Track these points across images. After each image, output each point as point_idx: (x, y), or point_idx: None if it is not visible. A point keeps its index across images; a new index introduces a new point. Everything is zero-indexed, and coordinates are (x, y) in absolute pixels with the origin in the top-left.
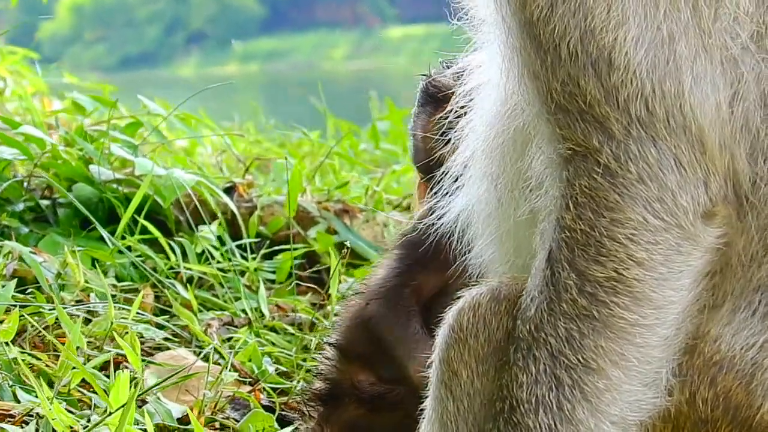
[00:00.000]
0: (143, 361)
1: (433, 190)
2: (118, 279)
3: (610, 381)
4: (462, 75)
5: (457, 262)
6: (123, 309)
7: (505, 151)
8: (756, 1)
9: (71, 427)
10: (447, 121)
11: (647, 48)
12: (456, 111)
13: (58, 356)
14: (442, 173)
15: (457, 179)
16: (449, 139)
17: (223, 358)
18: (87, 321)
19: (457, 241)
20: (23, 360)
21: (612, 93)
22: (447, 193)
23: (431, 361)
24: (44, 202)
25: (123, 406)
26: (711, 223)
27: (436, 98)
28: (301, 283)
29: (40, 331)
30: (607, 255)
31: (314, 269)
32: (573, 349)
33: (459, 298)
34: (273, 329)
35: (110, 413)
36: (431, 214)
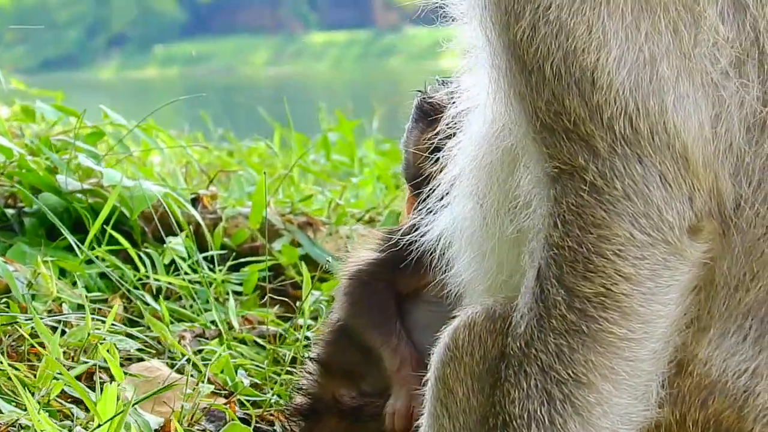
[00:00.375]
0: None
1: (419, 207)
2: (87, 290)
3: (600, 395)
4: (454, 95)
5: (434, 274)
6: (96, 320)
7: (492, 171)
8: (736, 29)
9: None
10: (438, 139)
11: (629, 68)
12: (446, 131)
13: (33, 367)
14: (429, 191)
15: (442, 198)
16: (438, 158)
17: (198, 369)
18: (62, 332)
19: (438, 258)
20: (2, 371)
21: (596, 112)
22: (432, 211)
23: (427, 379)
24: (9, 211)
25: (115, 416)
26: (697, 238)
27: (429, 115)
28: (274, 297)
29: (13, 343)
30: (594, 271)
31: (280, 281)
32: (563, 364)
33: (453, 317)
34: (243, 341)
35: (99, 425)
36: (415, 231)
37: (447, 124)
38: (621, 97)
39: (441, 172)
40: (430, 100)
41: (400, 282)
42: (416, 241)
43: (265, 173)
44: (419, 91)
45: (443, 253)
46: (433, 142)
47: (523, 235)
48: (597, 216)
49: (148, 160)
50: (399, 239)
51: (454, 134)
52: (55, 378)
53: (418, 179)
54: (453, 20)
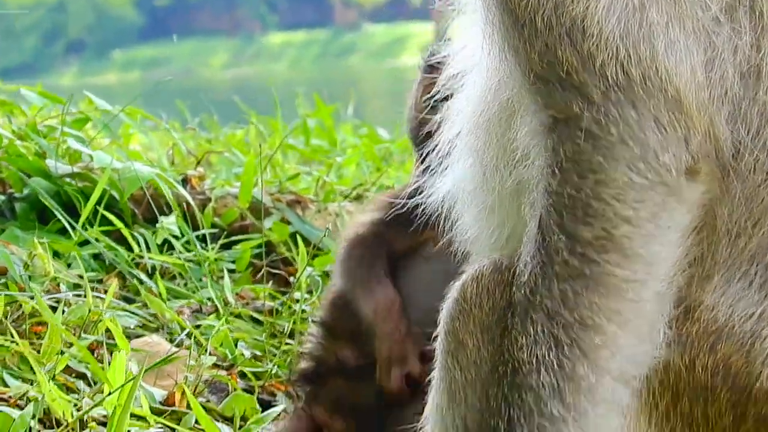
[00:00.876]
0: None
1: (422, 167)
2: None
3: (606, 336)
4: (451, 56)
5: (434, 231)
6: (95, 297)
7: (490, 126)
8: None
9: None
10: (439, 96)
11: (618, 16)
12: (444, 91)
13: (35, 345)
14: (429, 151)
15: (442, 158)
16: (438, 116)
17: (198, 343)
18: (62, 312)
19: (442, 217)
20: (6, 347)
21: (588, 60)
22: (433, 171)
23: (436, 334)
24: (0, 197)
25: (126, 383)
26: (694, 179)
27: (432, 72)
28: (270, 270)
29: (14, 323)
30: (594, 215)
31: (272, 259)
32: (568, 308)
33: (460, 273)
34: (239, 316)
35: (110, 393)
36: (417, 192)
37: (444, 85)
38: (611, 44)
39: (441, 132)
40: (434, 58)
41: (397, 240)
42: (419, 201)
43: (250, 154)
44: (426, 49)
45: (447, 212)
46: (435, 103)
47: (522, 188)
48: (594, 162)
49: (133, 146)
50: (398, 200)
51: (452, 95)
52: (59, 353)
53: (422, 140)
54: None
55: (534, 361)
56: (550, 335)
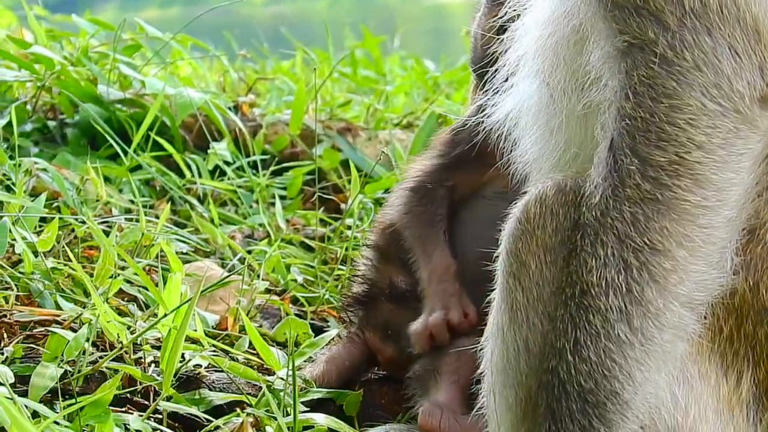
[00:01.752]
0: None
1: (485, 88)
2: (134, 196)
3: (676, 261)
4: None
5: (498, 162)
6: (148, 221)
7: (559, 49)
8: None
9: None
10: (504, 20)
11: None
12: (511, 13)
13: (86, 269)
14: (494, 72)
15: (507, 78)
16: (504, 39)
17: (250, 268)
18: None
19: (504, 139)
20: (59, 270)
21: None
22: (497, 91)
23: (497, 254)
24: (51, 123)
25: (181, 305)
26: None
27: (498, 0)
28: (322, 196)
29: (65, 247)
30: (667, 140)
31: (322, 186)
32: (639, 232)
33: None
34: (290, 242)
35: (165, 314)
36: (480, 112)
37: (511, 7)
38: None
39: (506, 53)
40: None
41: (460, 183)
42: (482, 123)
43: (301, 81)
44: None
45: (509, 134)
46: (501, 24)
47: (591, 111)
48: (668, 86)
49: (183, 73)
50: (459, 138)
51: (519, 16)
52: (111, 276)
53: (485, 62)
54: None
55: (603, 284)
56: (620, 258)
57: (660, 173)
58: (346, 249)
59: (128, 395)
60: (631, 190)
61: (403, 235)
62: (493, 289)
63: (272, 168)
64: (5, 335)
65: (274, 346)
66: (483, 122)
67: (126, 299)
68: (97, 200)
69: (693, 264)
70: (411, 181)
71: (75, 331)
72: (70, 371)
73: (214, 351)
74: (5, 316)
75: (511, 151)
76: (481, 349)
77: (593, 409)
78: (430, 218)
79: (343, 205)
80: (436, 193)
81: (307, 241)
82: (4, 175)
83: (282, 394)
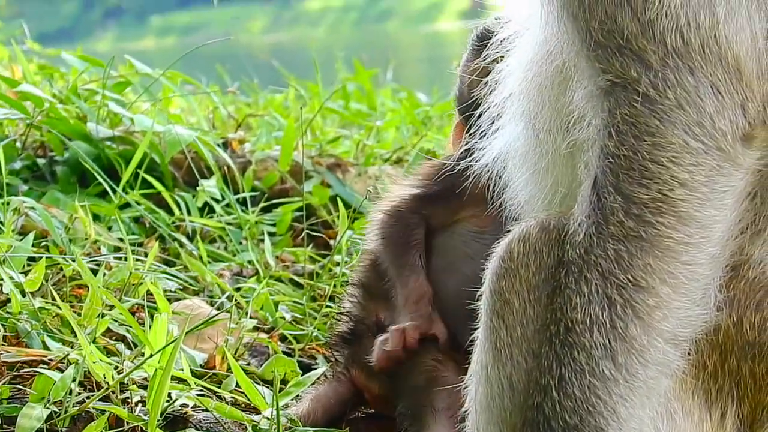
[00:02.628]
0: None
1: (471, 132)
2: (123, 234)
3: (660, 298)
4: (503, 21)
5: (480, 203)
6: (136, 260)
7: (543, 90)
8: None
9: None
10: (489, 59)
11: None
12: (495, 56)
13: (75, 308)
14: (479, 115)
15: (493, 121)
16: (489, 79)
17: (238, 306)
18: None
19: (493, 182)
20: (47, 310)
21: (648, 27)
22: (484, 134)
23: (481, 293)
24: (41, 161)
25: (167, 345)
26: (750, 145)
27: (484, 43)
28: (311, 233)
29: (54, 285)
30: (650, 177)
31: (312, 222)
32: (623, 269)
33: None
34: (279, 279)
35: (151, 355)
36: (467, 156)
37: (496, 49)
38: (672, 11)
39: (491, 95)
40: (487, 29)
41: (435, 215)
42: (468, 167)
43: (292, 116)
44: (480, 22)
45: (498, 177)
46: (486, 68)
47: (576, 150)
48: (651, 124)
49: (173, 110)
50: (439, 173)
51: (503, 58)
52: (99, 316)
53: (470, 105)
54: None
55: (587, 321)
56: (604, 295)
57: (643, 210)
58: (335, 286)
59: None
60: (615, 227)
61: (380, 260)
62: (474, 327)
63: (261, 204)
64: None
65: (261, 384)
66: (471, 166)
67: (114, 338)
68: (86, 238)
69: (677, 300)
70: (387, 205)
71: (62, 371)
72: (56, 412)
73: (200, 390)
74: None
75: (501, 194)
76: (465, 388)
77: None
78: (405, 242)
79: (332, 241)
80: (411, 218)
81: (295, 278)
82: None
83: None
